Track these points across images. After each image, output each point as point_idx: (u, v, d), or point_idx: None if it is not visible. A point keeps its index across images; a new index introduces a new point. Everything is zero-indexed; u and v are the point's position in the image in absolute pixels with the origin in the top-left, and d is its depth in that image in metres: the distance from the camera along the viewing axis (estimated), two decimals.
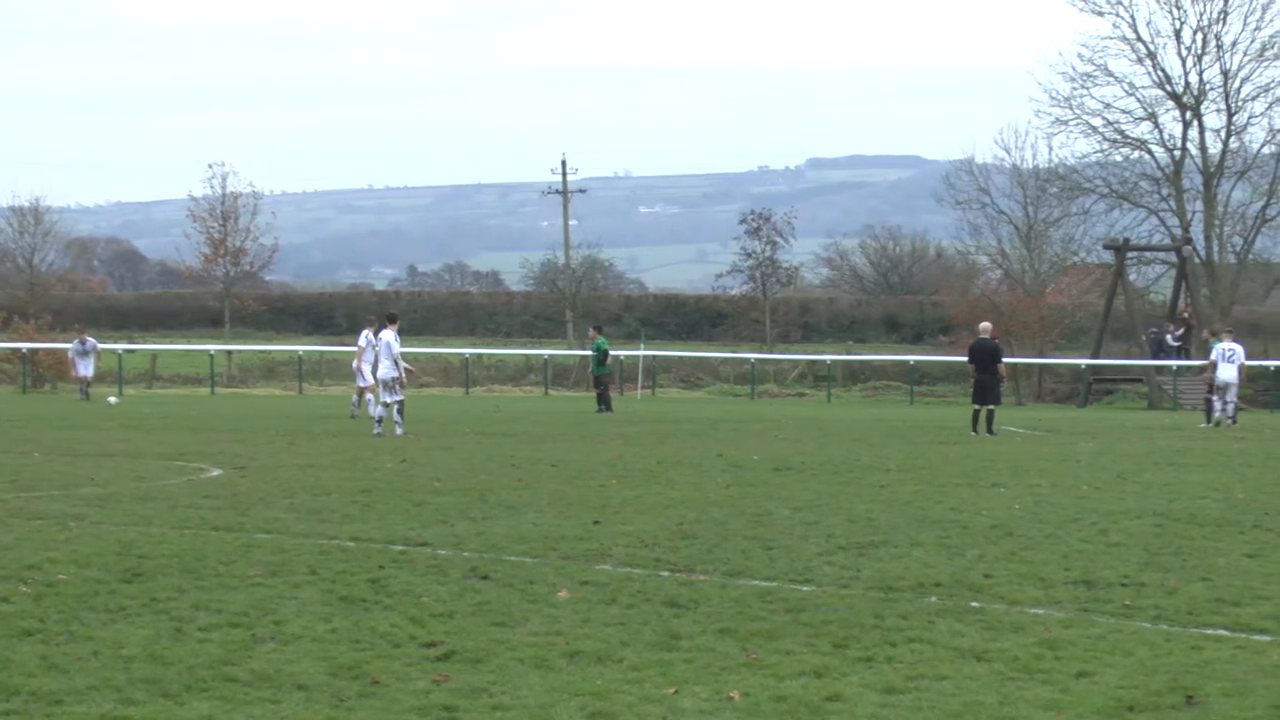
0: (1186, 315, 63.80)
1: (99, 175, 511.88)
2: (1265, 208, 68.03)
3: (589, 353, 50.44)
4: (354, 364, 37.43)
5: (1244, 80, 67.29)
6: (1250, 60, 67.04)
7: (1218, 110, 67.87)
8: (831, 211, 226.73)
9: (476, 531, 15.51)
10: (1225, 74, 67.20)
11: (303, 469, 22.81)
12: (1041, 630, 10.54)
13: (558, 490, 19.78)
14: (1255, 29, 66.69)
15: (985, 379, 34.18)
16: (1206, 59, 67.03)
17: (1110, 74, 68.07)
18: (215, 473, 22.24)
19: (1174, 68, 67.46)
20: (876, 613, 11.10)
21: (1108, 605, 11.54)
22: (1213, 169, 67.56)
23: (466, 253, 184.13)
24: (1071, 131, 69.83)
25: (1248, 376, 44.95)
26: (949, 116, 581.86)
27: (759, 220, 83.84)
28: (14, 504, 17.78)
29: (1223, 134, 67.90)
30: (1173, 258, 67.31)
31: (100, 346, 55.67)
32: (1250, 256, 69.84)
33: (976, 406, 34.31)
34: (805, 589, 12.17)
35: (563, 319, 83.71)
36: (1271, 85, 67.42)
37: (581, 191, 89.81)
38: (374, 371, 32.45)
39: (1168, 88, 67.67)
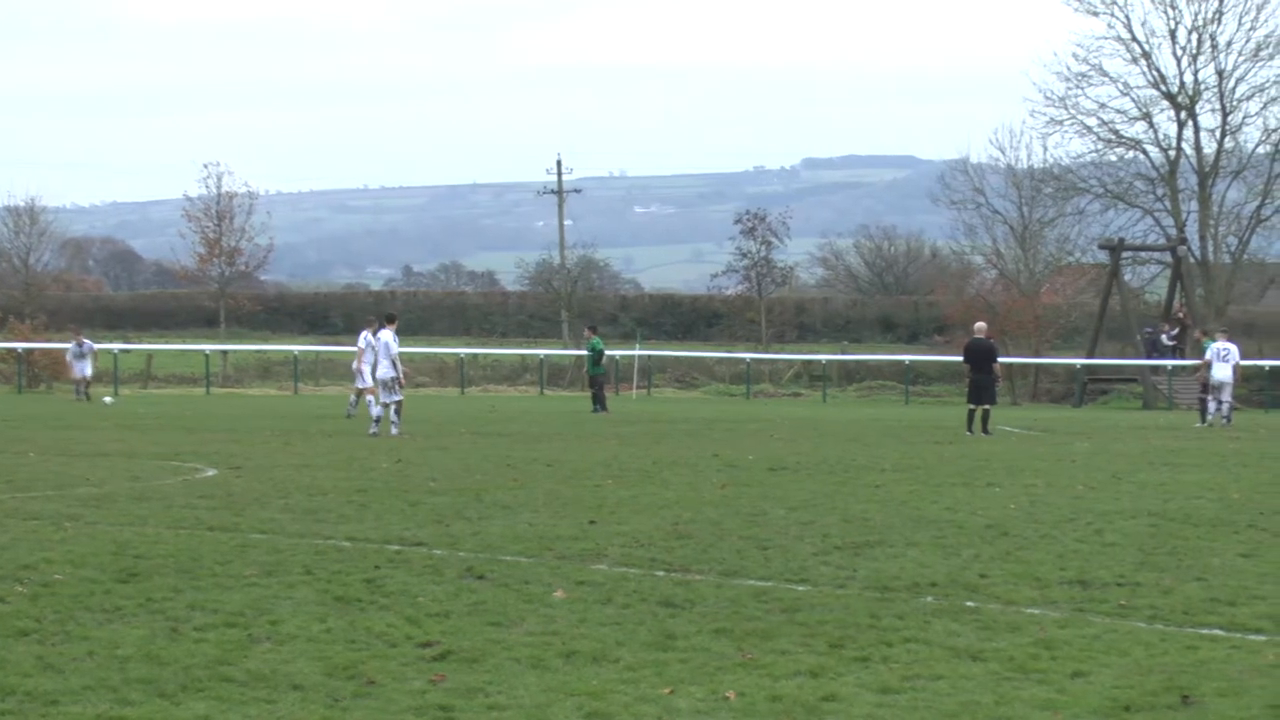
0: (1181, 315, 63.84)
1: (98, 175, 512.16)
2: (1260, 207, 68.11)
3: (584, 353, 50.44)
4: (354, 365, 37.41)
5: (1239, 80, 67.46)
6: (1245, 60, 67.22)
7: (1212, 110, 68.05)
8: (827, 211, 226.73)
9: (472, 531, 15.51)
10: (1220, 74, 67.31)
11: (298, 469, 22.81)
12: (1037, 630, 10.55)
13: (553, 490, 19.78)
14: (1250, 29, 66.87)
15: (980, 379, 34.20)
16: (1201, 59, 67.18)
17: (1105, 74, 68.22)
18: (210, 473, 22.23)
19: (1169, 67, 67.64)
20: (872, 612, 11.11)
21: (1103, 605, 11.55)
22: (1208, 169, 67.63)
23: (462, 253, 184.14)
24: (1066, 131, 69.99)
25: (1243, 376, 44.95)
26: (944, 117, 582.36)
27: (754, 220, 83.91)
28: (10, 504, 17.77)
29: (1217, 134, 68.04)
30: (1168, 257, 67.37)
31: (96, 347, 55.68)
32: (1245, 256, 69.94)
33: (972, 406, 34.33)
34: (801, 589, 12.18)
35: (558, 319, 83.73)
36: (1266, 85, 67.61)
37: (577, 191, 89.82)
38: (373, 372, 32.42)
39: (1162, 87, 67.75)
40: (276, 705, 8.46)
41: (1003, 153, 73.84)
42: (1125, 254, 66.99)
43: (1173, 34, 67.02)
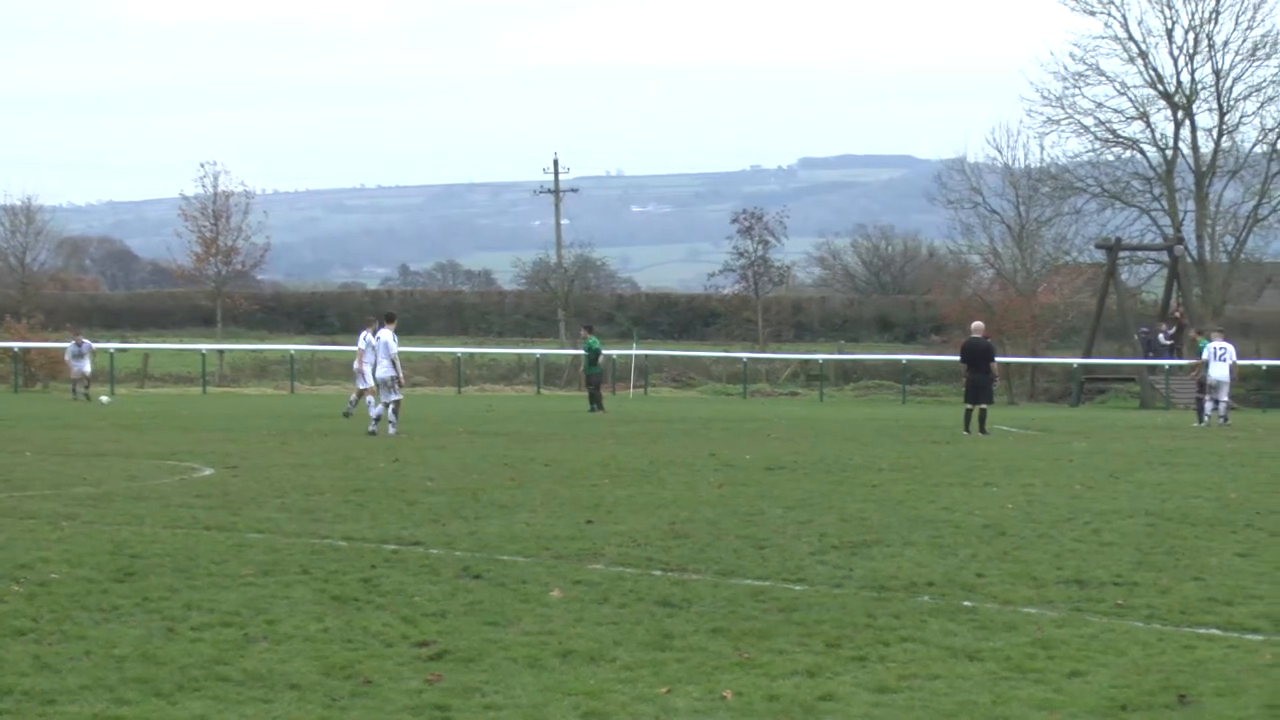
0: (1179, 315, 63.86)
1: (98, 175, 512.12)
2: (1257, 207, 68.12)
3: (581, 352, 50.46)
4: (354, 365, 37.39)
5: (1235, 79, 67.41)
6: (1242, 59, 67.17)
7: (1209, 109, 68.01)
8: (824, 211, 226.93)
9: (469, 531, 15.50)
10: (1217, 73, 67.30)
11: (295, 468, 22.79)
12: (1034, 630, 10.54)
13: (550, 490, 19.78)
14: (1247, 28, 66.83)
15: (977, 378, 34.18)
16: (1198, 58, 67.15)
17: (1102, 73, 68.20)
18: (207, 472, 22.22)
19: (1166, 67, 67.61)
20: (869, 612, 11.10)
21: (1100, 605, 11.54)
22: (1204, 168, 67.63)
23: (459, 252, 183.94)
24: (1063, 131, 69.99)
25: (1240, 376, 44.95)
26: (941, 116, 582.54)
27: (751, 219, 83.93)
28: (6, 503, 17.76)
29: (1214, 133, 68.01)
30: (1164, 257, 67.35)
31: (95, 346, 55.67)
32: (1242, 256, 69.93)
33: (969, 406, 34.33)
34: (798, 588, 12.17)
35: (555, 318, 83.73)
36: (1263, 84, 67.55)
37: (574, 191, 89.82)
38: (373, 372, 32.40)
39: (1159, 87, 67.75)
40: (273, 705, 8.45)
41: (1000, 152, 73.99)
42: (1122, 253, 67.00)
43: (1170, 33, 67.06)
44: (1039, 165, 72.00)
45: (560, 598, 11.59)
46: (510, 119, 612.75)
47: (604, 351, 51.74)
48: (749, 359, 71.06)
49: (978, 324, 36.39)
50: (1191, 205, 68.23)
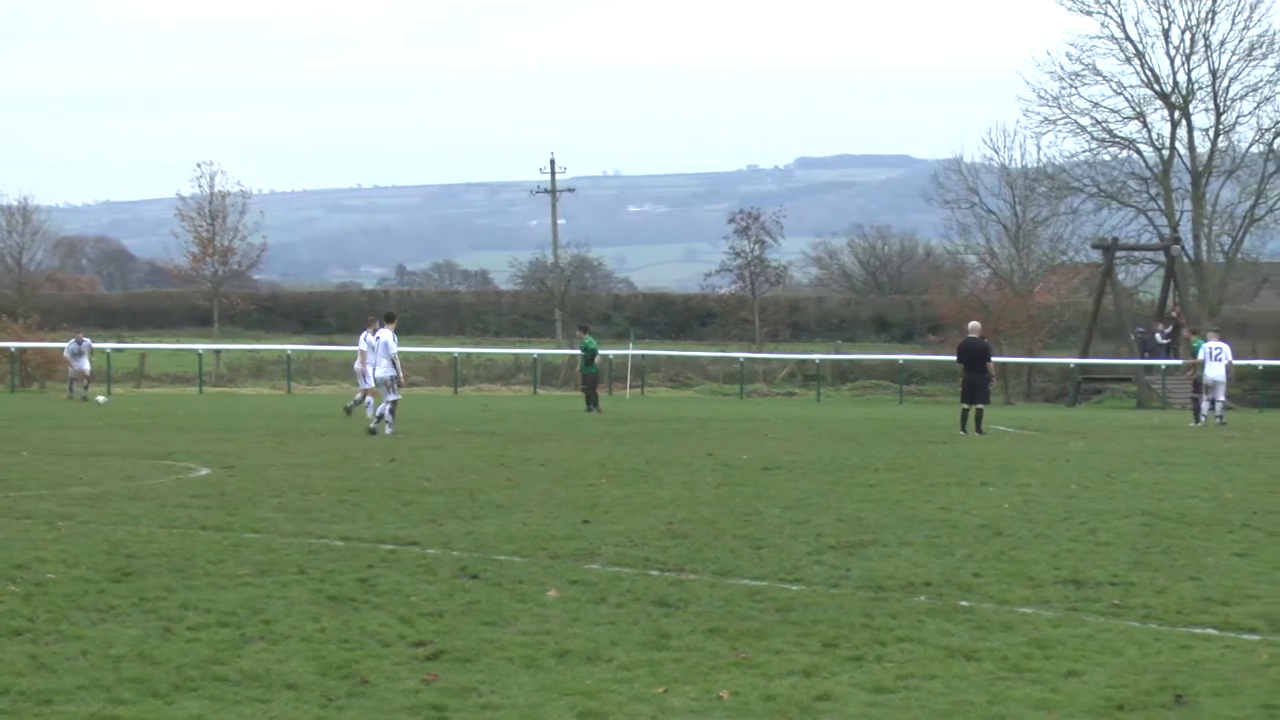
0: (1175, 315, 63.89)
1: (98, 175, 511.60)
2: (1253, 207, 68.16)
3: (578, 352, 50.47)
4: (355, 365, 37.36)
5: (1232, 79, 67.49)
6: (1239, 59, 67.23)
7: (1206, 109, 68.08)
8: (820, 211, 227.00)
9: (465, 531, 15.50)
10: (1213, 73, 67.35)
11: (291, 468, 22.78)
12: (1031, 629, 10.54)
13: (547, 490, 19.77)
14: (1244, 28, 66.89)
15: (974, 378, 34.19)
16: (1195, 58, 67.20)
17: (1099, 73, 68.26)
18: (204, 472, 22.21)
19: (1162, 67, 67.67)
20: (866, 612, 11.10)
21: (1097, 604, 11.54)
22: (1201, 168, 67.67)
23: (455, 252, 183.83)
24: (1060, 131, 70.03)
25: (1236, 376, 44.97)
26: (938, 116, 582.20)
27: (748, 219, 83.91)
28: (3, 503, 17.74)
29: (1211, 133, 68.07)
30: (1161, 257, 67.41)
31: (94, 346, 55.68)
32: (1238, 256, 69.94)
33: (965, 406, 34.33)
34: (795, 588, 12.17)
35: (552, 318, 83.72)
36: (1259, 84, 67.61)
37: (570, 190, 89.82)
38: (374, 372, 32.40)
39: (1156, 87, 67.80)
40: (270, 705, 8.45)
41: (996, 152, 73.96)
42: (1119, 253, 67.03)
43: (1166, 33, 67.14)
44: (1035, 165, 72.14)
45: (557, 598, 11.58)
46: (507, 119, 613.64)
47: (600, 351, 51.74)
48: (746, 359, 71.06)
49: (974, 324, 36.39)
50: (1188, 205, 68.27)
